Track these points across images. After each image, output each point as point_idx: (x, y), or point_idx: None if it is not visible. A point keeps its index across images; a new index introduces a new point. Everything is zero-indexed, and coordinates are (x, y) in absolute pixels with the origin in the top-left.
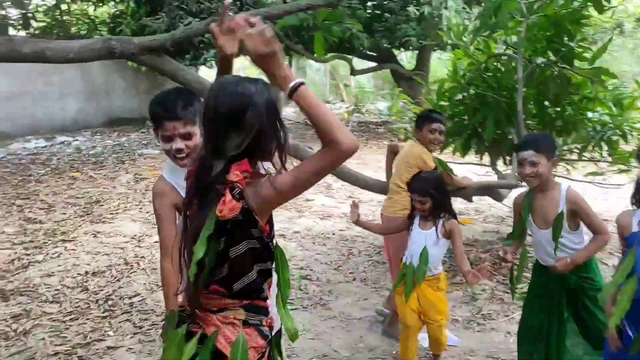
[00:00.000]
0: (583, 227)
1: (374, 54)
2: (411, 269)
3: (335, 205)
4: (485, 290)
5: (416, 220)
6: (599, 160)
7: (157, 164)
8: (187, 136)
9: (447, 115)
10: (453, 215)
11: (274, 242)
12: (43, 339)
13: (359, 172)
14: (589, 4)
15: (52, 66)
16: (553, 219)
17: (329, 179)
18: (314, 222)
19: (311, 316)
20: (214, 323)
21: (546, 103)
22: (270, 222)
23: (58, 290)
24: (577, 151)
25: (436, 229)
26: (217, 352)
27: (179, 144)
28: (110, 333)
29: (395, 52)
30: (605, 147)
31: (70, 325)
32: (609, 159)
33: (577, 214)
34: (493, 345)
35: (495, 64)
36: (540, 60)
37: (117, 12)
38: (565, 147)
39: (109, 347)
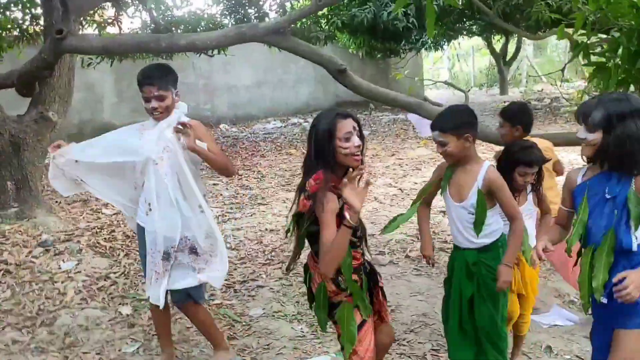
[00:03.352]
0: (497, 207)
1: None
2: None
3: None
4: None
5: None
6: None
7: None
8: (162, 98)
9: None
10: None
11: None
12: None
13: None
14: None
15: (289, 58)
16: (467, 194)
17: None
18: None
19: (431, 282)
20: (317, 280)
21: None
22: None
23: (240, 241)
24: None
25: (531, 199)
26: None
27: (154, 103)
28: (263, 276)
29: None
30: None
31: (238, 268)
32: None
33: (494, 193)
34: None
35: None
36: None
37: (334, 6)
38: None
39: (258, 286)
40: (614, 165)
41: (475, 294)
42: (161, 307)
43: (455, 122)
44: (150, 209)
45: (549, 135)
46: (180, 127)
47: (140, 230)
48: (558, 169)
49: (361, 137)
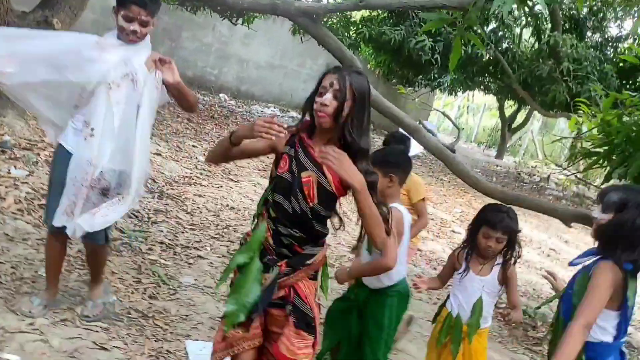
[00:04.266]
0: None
1: None
2: (459, 322)
3: None
4: None
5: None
6: None
7: None
8: (145, 23)
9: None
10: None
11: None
12: (162, 231)
13: None
14: None
15: (308, 51)
16: None
17: None
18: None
19: None
20: None
21: None
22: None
23: (199, 207)
24: None
25: (497, 275)
26: None
27: (136, 26)
28: (208, 248)
29: None
30: None
31: (186, 232)
32: None
33: None
34: None
35: None
36: None
37: (367, 17)
38: None
39: (199, 256)
40: (602, 247)
41: (363, 333)
42: (76, 237)
43: (385, 159)
44: (92, 134)
45: (523, 197)
46: (159, 62)
47: (64, 153)
48: (417, 209)
49: (339, 98)
